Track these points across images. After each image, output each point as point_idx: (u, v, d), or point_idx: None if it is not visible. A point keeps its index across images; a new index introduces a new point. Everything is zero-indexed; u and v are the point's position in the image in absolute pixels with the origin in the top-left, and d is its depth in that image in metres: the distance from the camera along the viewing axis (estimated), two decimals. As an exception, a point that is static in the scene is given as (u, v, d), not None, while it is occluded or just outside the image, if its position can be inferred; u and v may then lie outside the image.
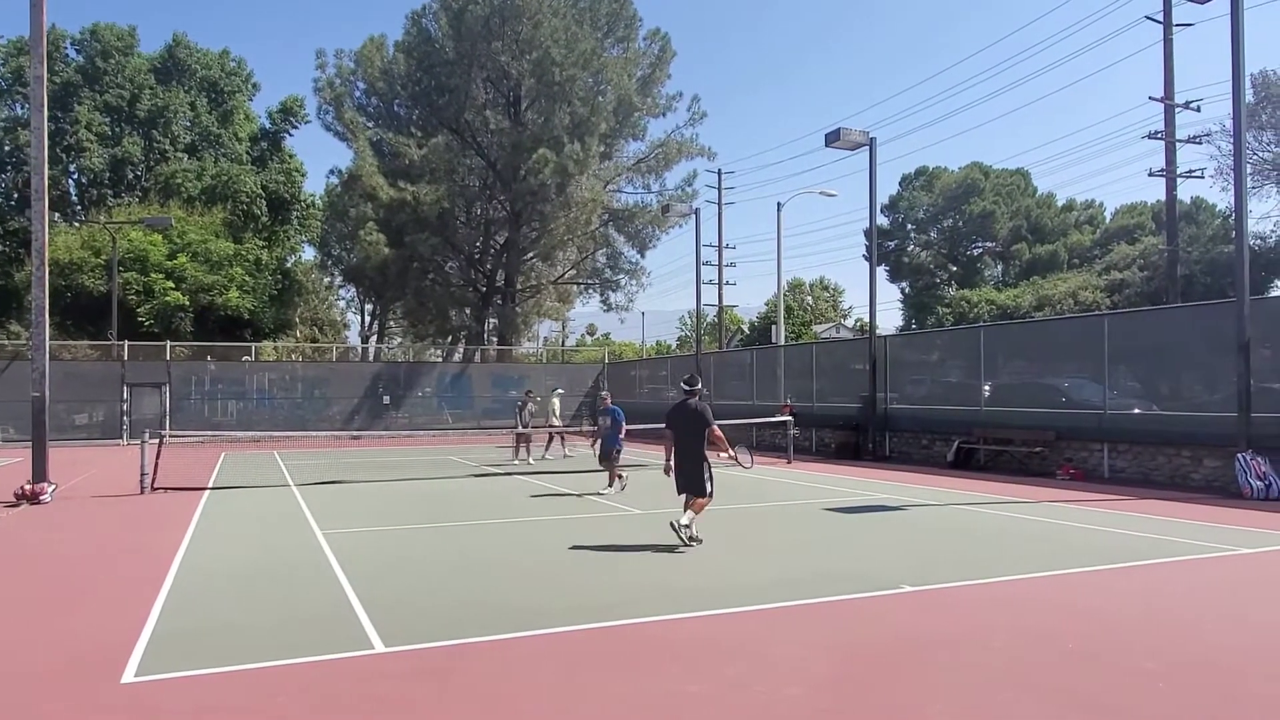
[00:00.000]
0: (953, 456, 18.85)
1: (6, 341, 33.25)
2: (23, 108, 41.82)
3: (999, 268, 58.29)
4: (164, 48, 47.18)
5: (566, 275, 43.88)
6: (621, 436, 14.58)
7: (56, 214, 41.45)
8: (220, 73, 48.38)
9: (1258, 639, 5.78)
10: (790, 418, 21.76)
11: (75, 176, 45.06)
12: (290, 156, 47.83)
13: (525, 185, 36.36)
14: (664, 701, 4.59)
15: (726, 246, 41.43)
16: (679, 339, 71.51)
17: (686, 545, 8.92)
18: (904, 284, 60.35)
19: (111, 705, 4.59)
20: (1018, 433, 17.75)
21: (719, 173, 40.93)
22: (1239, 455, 13.36)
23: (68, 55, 44.54)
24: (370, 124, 39.47)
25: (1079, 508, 12.15)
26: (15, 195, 42.53)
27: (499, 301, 40.88)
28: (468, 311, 41.57)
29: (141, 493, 14.18)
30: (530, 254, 40.86)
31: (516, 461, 20.19)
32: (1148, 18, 25.63)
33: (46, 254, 14.07)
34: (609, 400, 15.32)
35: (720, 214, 41.09)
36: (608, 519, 11.45)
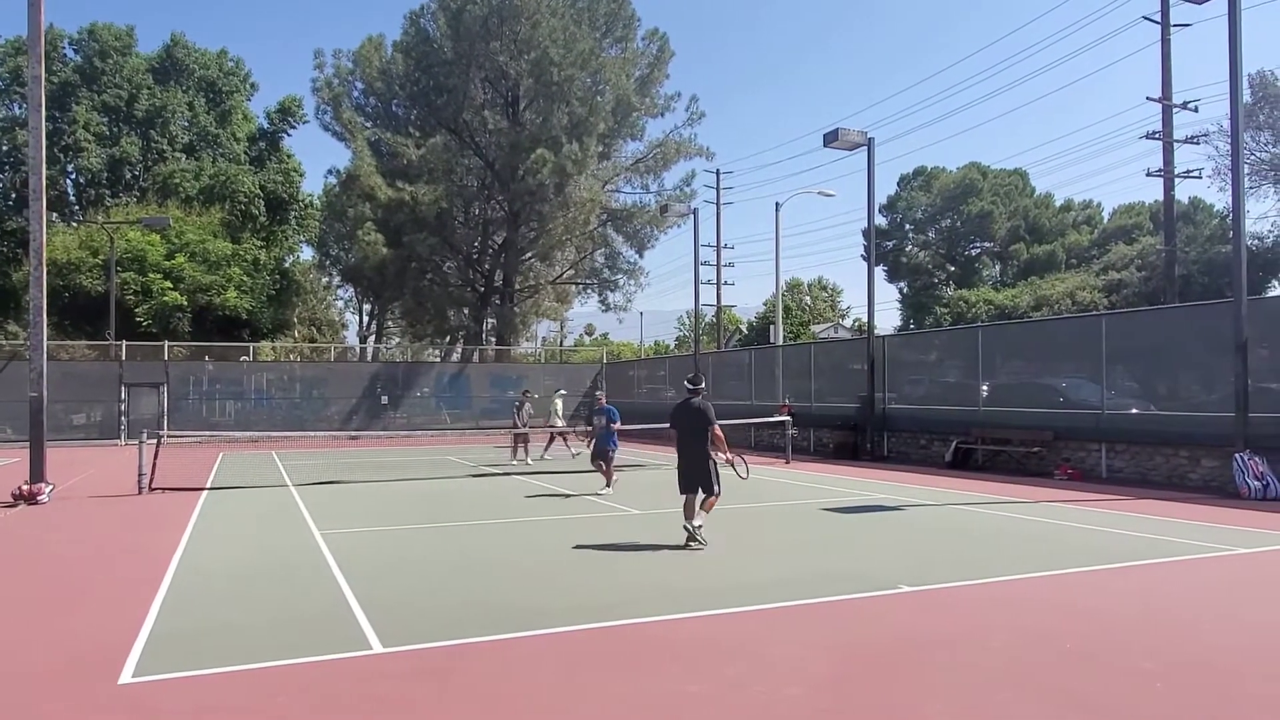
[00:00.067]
0: (951, 456, 18.87)
1: (4, 341, 33.23)
2: (20, 107, 41.77)
3: (997, 268, 58.34)
4: (162, 48, 47.15)
5: (565, 275, 43.88)
6: (615, 437, 14.56)
7: (54, 214, 41.40)
8: (218, 73, 48.34)
9: (1255, 639, 5.79)
10: (788, 418, 21.77)
11: (73, 176, 45.02)
12: (288, 156, 47.80)
13: (523, 185, 36.36)
14: (664, 701, 4.60)
15: (725, 246, 41.53)
16: (677, 339, 71.53)
17: (703, 544, 8.94)
18: (902, 284, 60.39)
19: (109, 706, 4.59)
20: (1016, 433, 17.77)
21: (717, 173, 41.01)
22: (1236, 455, 13.38)
23: (65, 55, 44.49)
24: (368, 124, 39.45)
25: (1077, 508, 12.17)
26: (13, 195, 42.47)
27: (497, 301, 40.88)
28: (466, 311, 41.56)
29: (139, 493, 14.17)
30: (528, 254, 40.85)
31: (515, 462, 20.19)
32: (1145, 18, 25.68)
33: (44, 254, 14.05)
34: (604, 400, 15.31)
35: (719, 214, 41.16)
36: (606, 519, 11.45)
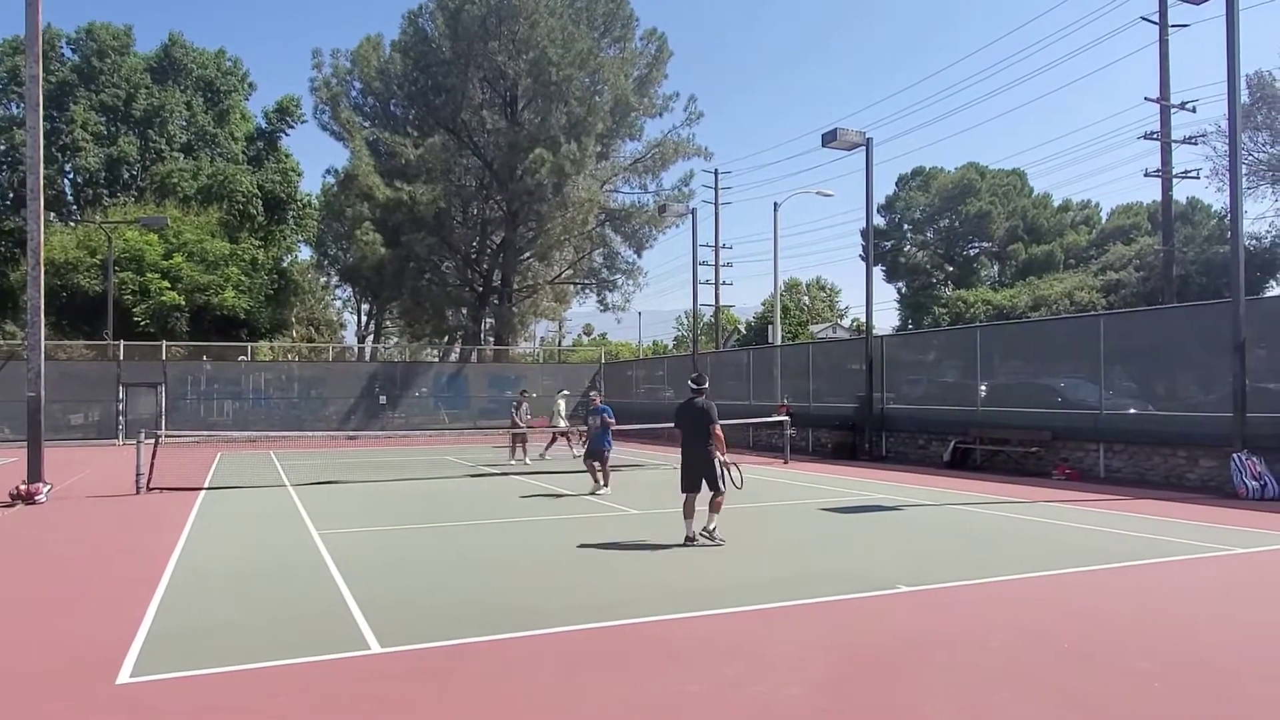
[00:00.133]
0: (949, 456, 18.89)
1: (2, 341, 33.20)
2: (18, 107, 41.70)
3: (995, 268, 58.40)
4: (160, 47, 47.12)
5: (563, 275, 43.88)
6: (609, 436, 14.54)
7: (52, 214, 41.36)
8: (216, 72, 48.31)
9: (1252, 639, 5.80)
10: (787, 418, 21.77)
11: (71, 176, 44.97)
12: (286, 156, 47.77)
13: (522, 185, 36.35)
14: (663, 701, 4.60)
15: (723, 246, 41.55)
16: (676, 339, 71.52)
17: (722, 542, 9.11)
18: (900, 284, 60.43)
19: (107, 706, 4.59)
20: (1014, 433, 17.79)
21: (716, 173, 41.04)
22: (1234, 455, 13.40)
23: (63, 54, 44.44)
24: (367, 124, 39.44)
25: (1075, 507, 12.18)
26: (10, 195, 42.41)
27: (495, 301, 40.87)
28: (464, 311, 41.55)
29: (137, 493, 14.15)
30: (527, 254, 40.84)
31: (513, 461, 20.18)
32: (1143, 18, 25.71)
33: (42, 254, 14.03)
34: (598, 400, 15.27)
35: (717, 214, 41.18)
36: (605, 519, 11.45)
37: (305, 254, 51.14)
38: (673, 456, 22.16)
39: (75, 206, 45.26)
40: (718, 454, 9.35)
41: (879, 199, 57.88)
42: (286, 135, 48.70)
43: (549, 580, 7.67)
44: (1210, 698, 4.68)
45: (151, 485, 14.49)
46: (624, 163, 41.14)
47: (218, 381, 32.10)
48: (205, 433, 25.53)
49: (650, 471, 18.73)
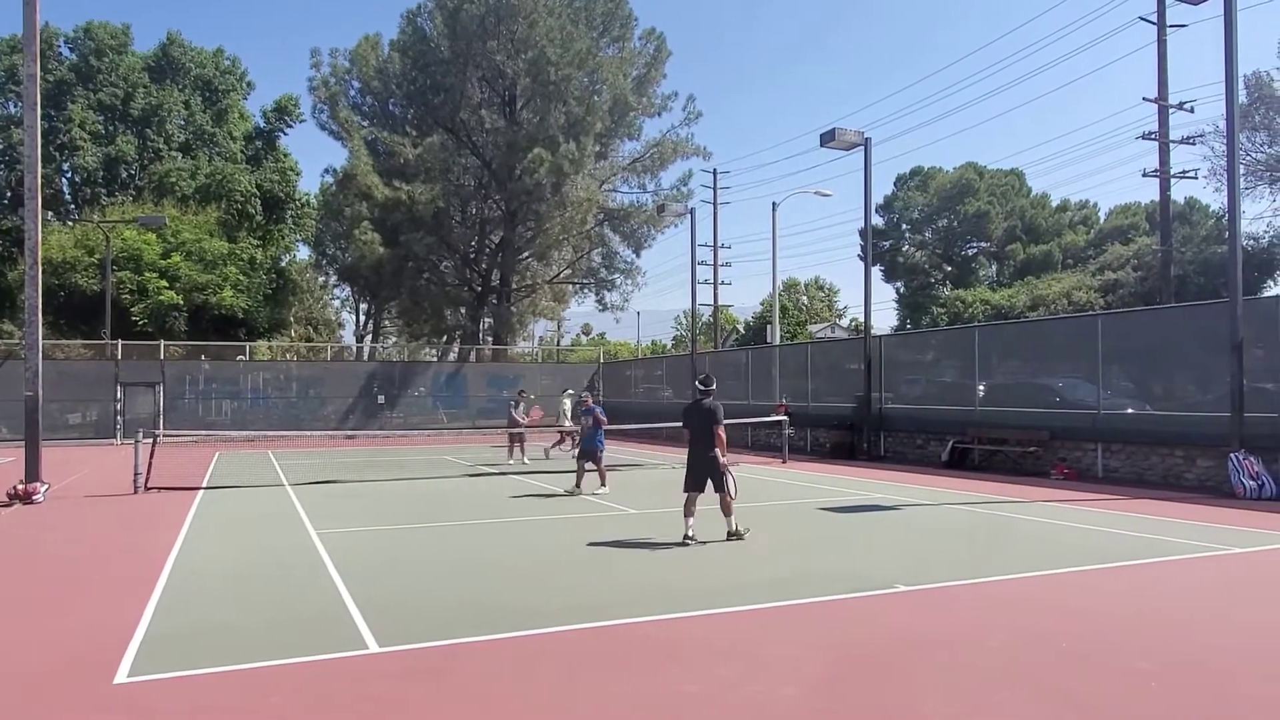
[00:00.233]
0: (947, 456, 18.89)
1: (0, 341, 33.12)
2: (16, 106, 41.62)
3: (993, 268, 58.43)
4: (158, 46, 47.06)
5: (562, 275, 43.87)
6: (602, 436, 14.51)
7: (50, 213, 41.32)
8: (214, 71, 48.26)
9: (1250, 639, 5.80)
10: (785, 417, 21.78)
11: (69, 175, 44.92)
12: (285, 155, 47.73)
13: (520, 185, 36.34)
14: (661, 701, 4.60)
15: (722, 246, 41.51)
16: (674, 339, 71.52)
17: (747, 530, 9.43)
18: (899, 284, 60.46)
19: (105, 706, 4.58)
20: (1012, 432, 17.80)
21: (714, 173, 41.00)
22: (1232, 455, 13.41)
23: (61, 53, 44.38)
24: (365, 123, 39.41)
25: (1073, 507, 12.19)
26: (8, 194, 42.34)
27: (494, 301, 40.85)
28: (463, 311, 41.53)
29: (135, 492, 14.13)
30: (525, 253, 40.83)
31: (511, 461, 20.18)
32: (1141, 18, 25.72)
33: (40, 253, 14.02)
34: (590, 400, 15.26)
35: (715, 214, 41.15)
36: (603, 519, 11.45)
37: (304, 253, 51.16)
38: (671, 456, 22.19)
39: (73, 206, 45.22)
40: (719, 455, 9.39)
41: (877, 199, 57.94)
42: (285, 135, 48.71)
43: (547, 580, 7.67)
44: (1208, 697, 4.68)
45: (149, 485, 14.48)
46: (623, 162, 41.15)
47: (216, 381, 32.07)
48: (203, 432, 25.51)
49: (649, 471, 18.73)
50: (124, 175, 45.02)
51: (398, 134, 37.80)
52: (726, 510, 9.44)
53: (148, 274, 35.66)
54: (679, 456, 21.68)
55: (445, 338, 44.65)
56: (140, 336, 33.01)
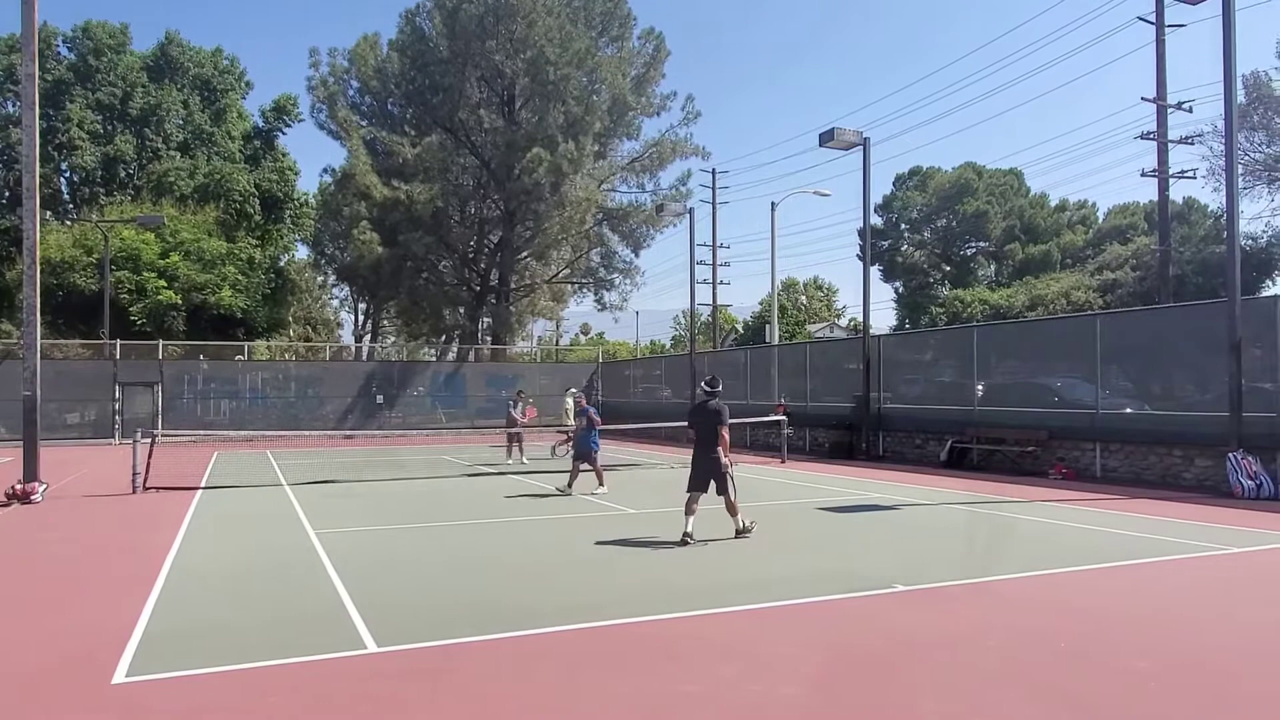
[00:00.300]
0: (946, 456, 18.90)
1: (-2, 340, 33.07)
2: (14, 105, 41.59)
3: (992, 268, 58.43)
4: (156, 45, 47.02)
5: (560, 274, 43.87)
6: (596, 437, 14.51)
7: (48, 212, 41.28)
8: (213, 71, 48.23)
9: (1249, 638, 5.81)
10: (784, 417, 21.78)
11: (67, 175, 44.88)
12: (283, 155, 47.72)
13: (519, 184, 36.34)
14: (659, 701, 4.59)
15: (721, 246, 41.52)
16: (673, 338, 71.54)
17: (753, 525, 9.61)
18: (898, 284, 60.46)
19: (103, 705, 4.57)
20: (1011, 432, 17.80)
21: (713, 172, 41.00)
22: (1230, 455, 13.42)
23: (59, 53, 44.33)
24: (364, 123, 39.40)
25: (1071, 507, 12.19)
26: (6, 193, 42.31)
27: (493, 301, 40.84)
28: (461, 311, 41.52)
29: (133, 492, 14.12)
30: (524, 253, 40.83)
31: (510, 461, 20.18)
32: (1140, 18, 25.74)
33: (38, 252, 14.00)
34: (584, 401, 15.24)
35: (714, 213, 41.15)
36: (602, 518, 11.45)
37: (302, 253, 51.15)
38: (670, 456, 22.17)
39: (71, 205, 45.18)
40: (723, 456, 9.41)
41: (876, 199, 57.94)
42: (283, 134, 48.70)
43: (545, 580, 7.66)
44: (1207, 697, 4.68)
45: (148, 485, 14.46)
46: (621, 162, 41.15)
47: (214, 381, 32.05)
48: (202, 432, 25.49)
49: (647, 471, 18.73)
50: (122, 175, 44.98)
51: (396, 134, 37.79)
52: (732, 511, 9.48)
53: (146, 274, 35.64)
54: (678, 456, 21.72)
55: (444, 337, 44.66)
56: (138, 336, 32.99)
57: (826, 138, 20.26)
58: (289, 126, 48.27)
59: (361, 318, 59.61)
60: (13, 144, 40.06)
